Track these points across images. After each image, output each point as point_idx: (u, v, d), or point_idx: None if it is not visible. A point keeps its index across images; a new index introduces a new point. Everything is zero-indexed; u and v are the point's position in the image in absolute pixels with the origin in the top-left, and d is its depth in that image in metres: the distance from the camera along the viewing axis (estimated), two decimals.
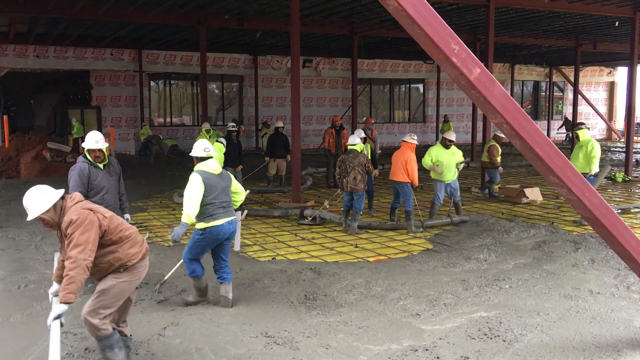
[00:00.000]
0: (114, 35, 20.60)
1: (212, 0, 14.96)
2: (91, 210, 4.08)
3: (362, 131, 11.08)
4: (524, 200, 12.16)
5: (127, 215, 6.64)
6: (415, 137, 9.82)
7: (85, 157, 6.27)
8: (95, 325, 4.14)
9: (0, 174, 16.49)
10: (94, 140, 6.21)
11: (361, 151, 9.75)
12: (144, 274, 4.42)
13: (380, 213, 11.20)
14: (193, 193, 5.61)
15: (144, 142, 21.09)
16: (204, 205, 5.66)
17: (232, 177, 6.07)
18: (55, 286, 4.33)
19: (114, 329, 4.33)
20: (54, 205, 4.05)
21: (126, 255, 4.20)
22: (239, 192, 6.11)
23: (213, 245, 5.82)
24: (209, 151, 5.86)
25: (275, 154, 14.15)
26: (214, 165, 5.84)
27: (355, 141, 9.72)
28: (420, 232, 9.45)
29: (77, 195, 4.22)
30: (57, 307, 3.87)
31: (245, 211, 6.31)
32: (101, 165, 6.31)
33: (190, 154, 5.99)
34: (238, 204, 6.19)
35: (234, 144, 12.44)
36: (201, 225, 5.71)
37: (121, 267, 4.22)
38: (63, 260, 4.11)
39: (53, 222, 4.07)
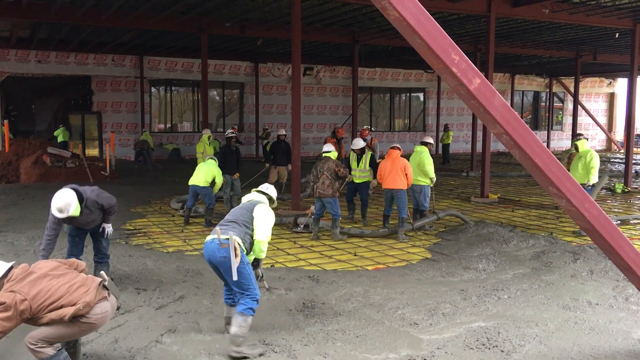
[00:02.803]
0: (115, 42, 20.70)
1: (214, 8, 15.04)
2: (13, 292, 3.99)
3: (361, 140, 11.13)
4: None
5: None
6: (399, 147, 10.08)
7: None
8: (32, 349, 4.10)
9: (0, 178, 16.50)
10: (57, 209, 5.71)
11: (335, 159, 9.81)
12: (97, 327, 4.24)
13: (378, 222, 11.18)
14: None
15: (138, 150, 21.18)
16: None
17: (256, 213, 5.15)
18: None
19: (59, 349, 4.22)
20: None
21: (62, 316, 4.06)
22: (255, 232, 5.09)
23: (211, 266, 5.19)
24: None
25: (276, 162, 14.15)
26: (251, 194, 5.54)
27: (330, 148, 9.84)
28: (406, 241, 9.45)
29: (14, 273, 4.12)
30: None
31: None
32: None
33: (267, 192, 5.53)
34: (257, 255, 5.18)
35: (232, 151, 12.12)
36: None
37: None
38: None
39: None
